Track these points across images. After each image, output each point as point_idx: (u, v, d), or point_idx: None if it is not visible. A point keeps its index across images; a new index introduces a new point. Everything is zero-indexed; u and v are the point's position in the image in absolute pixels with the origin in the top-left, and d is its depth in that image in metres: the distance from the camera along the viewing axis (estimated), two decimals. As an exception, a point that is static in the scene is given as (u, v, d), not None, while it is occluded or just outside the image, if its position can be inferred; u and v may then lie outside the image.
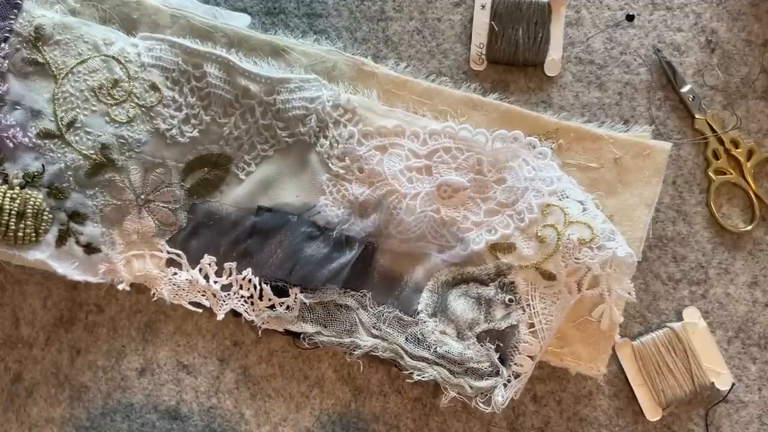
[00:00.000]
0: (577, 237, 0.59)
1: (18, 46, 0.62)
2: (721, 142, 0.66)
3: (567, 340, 0.64)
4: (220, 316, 0.63)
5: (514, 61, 0.67)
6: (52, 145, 0.62)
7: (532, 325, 0.60)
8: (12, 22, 0.61)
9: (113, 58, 0.62)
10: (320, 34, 0.68)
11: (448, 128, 0.63)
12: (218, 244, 0.64)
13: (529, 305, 0.60)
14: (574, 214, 0.59)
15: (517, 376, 0.60)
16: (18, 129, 0.62)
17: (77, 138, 0.62)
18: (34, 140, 0.62)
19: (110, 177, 0.63)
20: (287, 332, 0.63)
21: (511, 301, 0.61)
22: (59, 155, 0.62)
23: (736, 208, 0.67)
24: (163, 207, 0.64)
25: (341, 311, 0.63)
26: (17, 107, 0.62)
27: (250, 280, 0.63)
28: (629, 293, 0.61)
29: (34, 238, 0.62)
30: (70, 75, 0.62)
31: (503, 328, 0.61)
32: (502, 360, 0.60)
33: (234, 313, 0.64)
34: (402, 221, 0.62)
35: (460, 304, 0.61)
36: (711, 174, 0.66)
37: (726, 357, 0.66)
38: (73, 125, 0.62)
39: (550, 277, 0.60)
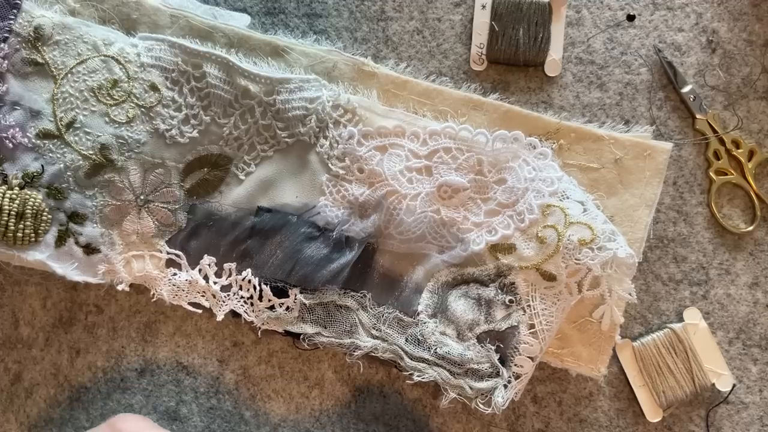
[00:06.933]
0: (577, 238, 0.58)
1: (17, 46, 0.61)
2: (722, 142, 0.66)
3: (567, 341, 0.64)
4: (220, 317, 0.63)
5: (514, 62, 0.66)
6: (51, 146, 0.62)
7: (532, 326, 0.60)
8: (11, 22, 0.61)
9: (113, 58, 0.62)
10: (320, 34, 0.68)
11: (448, 128, 0.62)
12: (218, 244, 0.64)
13: (529, 306, 0.60)
14: (574, 215, 0.59)
15: (517, 377, 0.60)
16: (17, 129, 0.61)
17: (76, 138, 0.62)
18: (33, 140, 0.62)
19: (110, 177, 0.63)
20: (287, 333, 0.63)
21: (511, 302, 0.60)
22: (58, 155, 0.62)
23: (737, 209, 0.67)
24: (163, 207, 0.63)
25: (341, 312, 0.63)
26: (16, 107, 0.62)
27: (249, 281, 0.62)
28: (630, 294, 0.61)
29: (33, 239, 0.62)
30: (69, 75, 0.62)
31: (503, 329, 0.60)
32: (503, 361, 0.60)
33: (234, 314, 0.64)
34: (402, 222, 0.62)
35: (460, 305, 0.61)
36: (712, 174, 0.66)
37: (727, 358, 0.66)
38: (73, 125, 0.62)
39: (550, 277, 0.60)
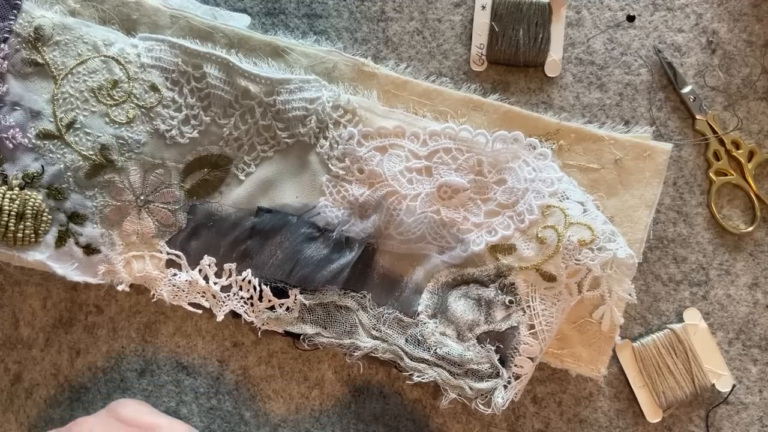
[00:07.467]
0: (577, 238, 0.58)
1: (17, 46, 0.62)
2: (722, 143, 0.66)
3: (567, 342, 0.64)
4: (220, 317, 0.63)
5: (514, 62, 0.66)
6: (51, 146, 0.62)
7: (532, 327, 0.60)
8: (12, 22, 0.61)
9: (113, 58, 0.62)
10: (320, 34, 0.68)
11: (448, 129, 0.62)
12: (218, 245, 0.64)
13: (529, 306, 0.60)
14: (574, 216, 0.59)
15: (517, 377, 0.60)
16: (17, 130, 0.62)
17: (77, 139, 0.62)
18: (33, 141, 0.62)
19: (110, 178, 0.63)
20: (287, 333, 0.63)
21: (511, 302, 0.60)
22: (59, 156, 0.62)
23: (736, 210, 0.67)
24: (163, 208, 0.63)
25: (341, 312, 0.63)
26: (17, 108, 0.62)
27: (249, 281, 0.62)
28: (630, 294, 0.61)
29: (33, 239, 0.62)
30: (69, 76, 0.62)
31: (503, 329, 0.60)
32: (503, 361, 0.60)
33: (234, 315, 0.63)
34: (402, 222, 0.62)
35: (460, 306, 0.61)
36: (712, 175, 0.66)
37: (727, 358, 0.66)
38: (73, 126, 0.62)
39: (550, 278, 0.60)
